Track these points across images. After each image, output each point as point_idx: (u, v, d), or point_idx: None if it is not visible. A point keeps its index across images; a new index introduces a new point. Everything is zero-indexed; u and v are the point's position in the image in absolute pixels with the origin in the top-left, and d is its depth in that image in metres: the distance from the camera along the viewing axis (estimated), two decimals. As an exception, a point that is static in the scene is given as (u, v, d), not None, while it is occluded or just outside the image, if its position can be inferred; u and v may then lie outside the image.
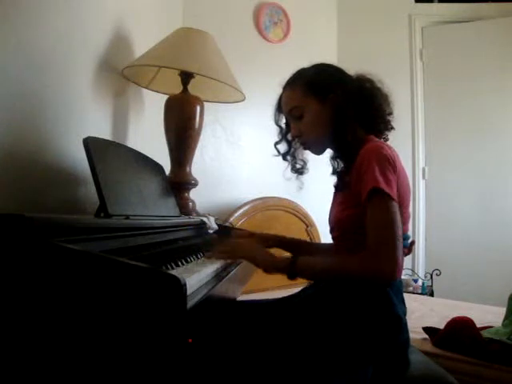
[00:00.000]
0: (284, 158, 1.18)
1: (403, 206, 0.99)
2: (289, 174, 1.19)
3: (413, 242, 1.08)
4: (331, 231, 1.10)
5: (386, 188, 0.88)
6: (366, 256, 0.88)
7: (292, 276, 0.95)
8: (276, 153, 1.18)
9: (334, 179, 1.14)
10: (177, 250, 1.01)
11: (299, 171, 1.18)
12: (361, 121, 1.05)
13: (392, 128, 1.10)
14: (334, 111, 1.03)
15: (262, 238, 1.23)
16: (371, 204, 0.90)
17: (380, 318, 0.93)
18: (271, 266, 0.99)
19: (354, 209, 0.95)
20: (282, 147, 1.18)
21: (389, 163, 0.92)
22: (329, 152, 1.14)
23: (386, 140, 1.10)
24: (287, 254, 1.10)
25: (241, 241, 1.06)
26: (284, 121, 1.16)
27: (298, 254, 1.05)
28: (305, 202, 2.53)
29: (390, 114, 1.09)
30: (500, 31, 2.91)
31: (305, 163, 1.19)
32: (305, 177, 1.20)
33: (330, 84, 1.05)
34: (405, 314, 0.99)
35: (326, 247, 1.25)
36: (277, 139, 1.18)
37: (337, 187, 1.13)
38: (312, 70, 1.11)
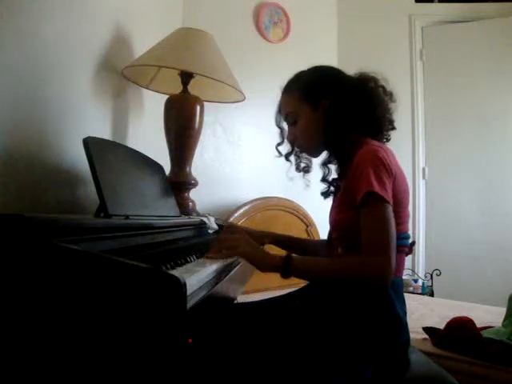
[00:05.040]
0: (287, 159, 1.19)
1: (402, 205, 0.99)
2: (292, 173, 1.20)
3: (413, 243, 1.08)
4: (331, 233, 1.11)
5: (381, 191, 0.88)
6: (362, 259, 0.89)
7: (286, 275, 0.93)
8: (277, 154, 1.19)
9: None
10: (177, 250, 1.01)
11: (304, 170, 1.20)
12: (358, 123, 1.05)
13: (393, 128, 1.10)
14: (326, 118, 1.04)
15: (258, 235, 1.22)
16: (366, 208, 0.90)
17: (380, 318, 0.93)
18: (266, 265, 0.97)
19: (352, 211, 0.95)
20: (284, 148, 1.19)
21: (384, 166, 0.92)
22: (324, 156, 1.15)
23: (388, 140, 1.11)
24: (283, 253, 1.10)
25: (238, 237, 1.06)
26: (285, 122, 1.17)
27: (292, 251, 1.06)
28: (305, 202, 2.53)
29: (392, 113, 1.09)
30: (500, 31, 2.91)
31: (310, 161, 1.20)
32: (305, 176, 1.21)
33: (323, 90, 1.06)
34: (405, 314, 0.99)
35: (319, 243, 1.26)
36: (277, 138, 1.19)
37: (324, 194, 1.15)
38: (308, 75, 1.11)
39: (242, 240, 1.00)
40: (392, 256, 0.86)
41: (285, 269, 0.92)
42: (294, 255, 0.96)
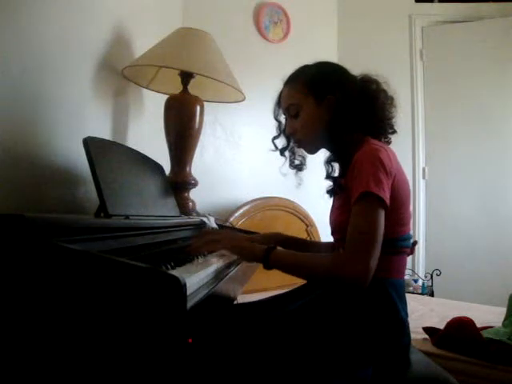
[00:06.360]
0: (282, 154, 1.17)
1: (404, 206, 0.98)
2: (285, 169, 1.18)
3: (415, 243, 1.07)
4: (332, 234, 1.10)
5: (378, 191, 0.87)
6: (340, 258, 0.88)
7: (267, 266, 0.94)
8: (273, 148, 1.17)
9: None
10: (177, 250, 1.01)
11: (298, 167, 1.17)
12: (360, 123, 1.04)
13: (394, 131, 1.09)
14: (330, 113, 1.03)
15: (265, 237, 1.22)
16: (359, 206, 0.89)
17: (383, 320, 0.93)
18: (249, 256, 0.99)
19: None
20: (280, 142, 1.17)
21: (383, 166, 0.90)
22: (324, 154, 1.13)
23: (389, 143, 1.09)
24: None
25: (220, 232, 1.04)
26: (283, 116, 1.15)
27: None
28: (305, 202, 2.53)
29: (393, 117, 1.08)
30: (500, 31, 2.91)
31: (304, 159, 1.17)
32: (305, 175, 1.19)
33: (329, 85, 1.05)
34: (407, 316, 0.99)
35: (325, 245, 1.25)
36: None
37: (329, 192, 1.13)
38: (314, 68, 1.10)
39: (225, 233, 0.99)
40: (373, 258, 0.84)
41: (265, 260, 0.94)
42: (278, 248, 0.96)
